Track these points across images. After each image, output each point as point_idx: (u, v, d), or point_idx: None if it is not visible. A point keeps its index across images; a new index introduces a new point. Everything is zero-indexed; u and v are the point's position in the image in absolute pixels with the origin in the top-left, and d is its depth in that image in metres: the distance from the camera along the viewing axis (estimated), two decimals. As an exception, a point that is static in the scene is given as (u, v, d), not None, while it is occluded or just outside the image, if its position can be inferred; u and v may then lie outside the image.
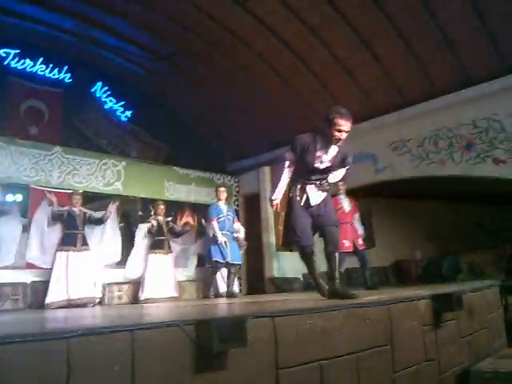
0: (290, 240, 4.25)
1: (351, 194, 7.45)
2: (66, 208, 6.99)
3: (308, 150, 3.96)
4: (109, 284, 7.52)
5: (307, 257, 4.22)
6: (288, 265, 9.42)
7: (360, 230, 7.19)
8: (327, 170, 4.10)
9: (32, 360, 1.94)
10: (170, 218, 7.93)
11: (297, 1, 7.17)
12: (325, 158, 4.00)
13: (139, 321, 2.78)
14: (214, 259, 7.05)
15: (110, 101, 9.60)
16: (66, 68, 8.95)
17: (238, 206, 10.25)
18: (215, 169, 10.27)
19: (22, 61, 8.48)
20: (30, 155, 7.44)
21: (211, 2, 7.37)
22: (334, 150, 3.99)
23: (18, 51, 8.45)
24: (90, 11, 7.97)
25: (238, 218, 8.29)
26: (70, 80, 9.00)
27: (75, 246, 6.77)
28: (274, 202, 4.14)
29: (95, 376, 2.09)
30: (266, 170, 9.87)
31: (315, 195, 4.08)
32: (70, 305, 6.47)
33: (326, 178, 4.15)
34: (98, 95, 9.43)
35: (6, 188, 6.96)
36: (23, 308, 6.61)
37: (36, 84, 8.59)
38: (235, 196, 10.32)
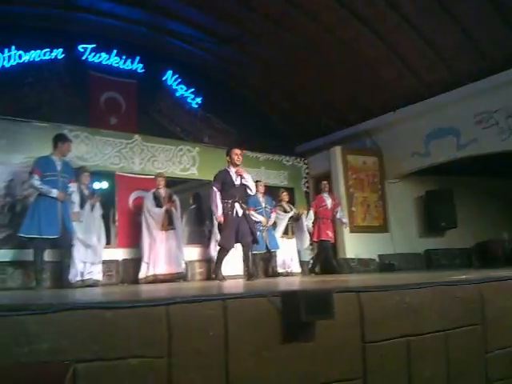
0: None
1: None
2: (152, 190, 7.40)
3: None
4: (191, 261, 7.89)
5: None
6: (362, 246, 9.33)
7: (344, 220, 8.71)
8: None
9: (137, 323, 2.13)
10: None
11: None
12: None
13: (229, 292, 2.92)
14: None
15: (181, 88, 9.86)
16: (138, 58, 9.27)
17: (307, 187, 10.23)
18: (284, 151, 10.27)
19: (98, 54, 8.90)
20: (112, 144, 7.85)
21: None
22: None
23: (94, 45, 8.87)
24: (159, 0, 8.24)
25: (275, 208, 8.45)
26: (143, 70, 9.33)
27: (162, 226, 7.11)
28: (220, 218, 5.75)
29: (192, 339, 2.25)
30: (337, 149, 9.71)
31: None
32: (158, 280, 6.88)
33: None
34: (169, 83, 9.71)
35: (94, 176, 7.39)
36: (116, 283, 7.15)
37: (112, 76, 9.00)
38: (305, 178, 10.30)
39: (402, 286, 3.07)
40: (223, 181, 5.94)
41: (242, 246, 5.96)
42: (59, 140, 5.93)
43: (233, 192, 5.93)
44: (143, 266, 7.03)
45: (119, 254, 7.45)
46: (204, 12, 8.45)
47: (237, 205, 5.89)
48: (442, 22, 7.43)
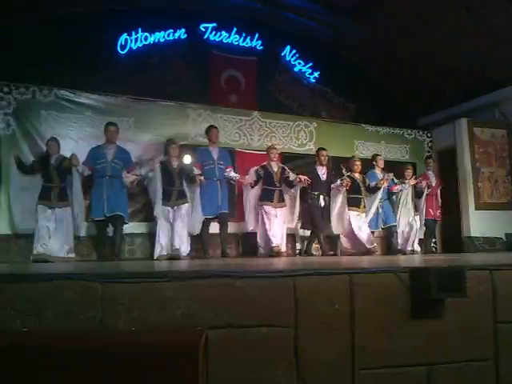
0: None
1: None
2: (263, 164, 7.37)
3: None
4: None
5: None
6: (488, 224, 8.75)
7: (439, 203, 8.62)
8: None
9: (266, 293, 2.18)
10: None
11: None
12: None
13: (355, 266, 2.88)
14: None
15: (299, 63, 9.79)
16: (257, 35, 9.36)
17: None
18: (406, 125, 9.83)
19: (218, 33, 9.12)
20: (233, 121, 8.10)
21: None
22: None
23: (214, 25, 9.10)
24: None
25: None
26: (261, 47, 9.39)
27: (272, 202, 7.11)
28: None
29: (319, 311, 2.27)
30: (463, 122, 9.11)
31: None
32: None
33: None
34: (287, 59, 9.69)
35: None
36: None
37: (232, 54, 9.17)
38: (428, 152, 9.78)
39: None
40: (312, 177, 7.21)
41: (320, 231, 7.36)
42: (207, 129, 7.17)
43: (319, 186, 7.33)
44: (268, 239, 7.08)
45: (239, 227, 7.69)
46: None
47: (321, 197, 7.31)
48: None
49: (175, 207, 6.52)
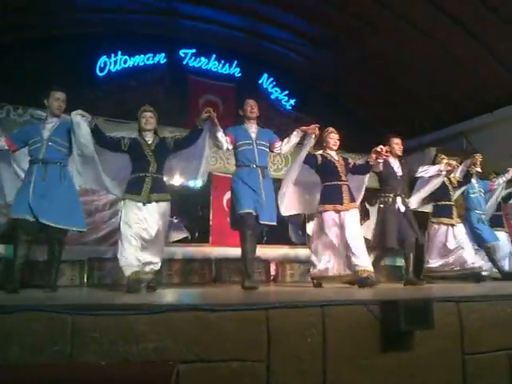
0: None
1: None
2: None
3: None
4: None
5: None
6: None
7: None
8: None
9: (238, 326, 2.19)
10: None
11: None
12: None
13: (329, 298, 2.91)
14: None
15: (276, 91, 9.98)
16: (235, 63, 9.53)
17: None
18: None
19: (198, 59, 9.27)
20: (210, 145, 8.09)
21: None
22: None
23: (194, 51, 9.24)
24: (256, 6, 8.36)
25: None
26: (240, 74, 9.57)
27: (341, 203, 5.11)
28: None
29: (291, 344, 2.29)
30: (432, 151, 9.27)
31: None
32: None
33: None
34: (264, 86, 9.87)
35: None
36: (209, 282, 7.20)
37: (211, 80, 9.31)
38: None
39: (503, 296, 2.97)
40: (384, 172, 5.49)
41: (404, 247, 5.32)
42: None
43: (394, 184, 5.50)
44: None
45: (212, 252, 7.58)
46: (298, 16, 8.49)
47: (398, 199, 5.43)
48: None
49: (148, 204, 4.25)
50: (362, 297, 3.06)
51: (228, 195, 7.82)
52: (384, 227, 5.30)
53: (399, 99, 9.96)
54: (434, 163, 6.63)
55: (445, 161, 6.26)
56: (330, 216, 4.93)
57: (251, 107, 5.18)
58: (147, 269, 4.18)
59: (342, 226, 4.87)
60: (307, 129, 5.14)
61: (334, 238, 4.89)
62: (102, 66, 8.38)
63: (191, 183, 8.25)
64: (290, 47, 9.52)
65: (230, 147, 4.97)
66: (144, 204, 4.21)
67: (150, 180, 4.29)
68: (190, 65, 9.17)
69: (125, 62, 8.57)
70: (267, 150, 5.03)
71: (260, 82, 9.83)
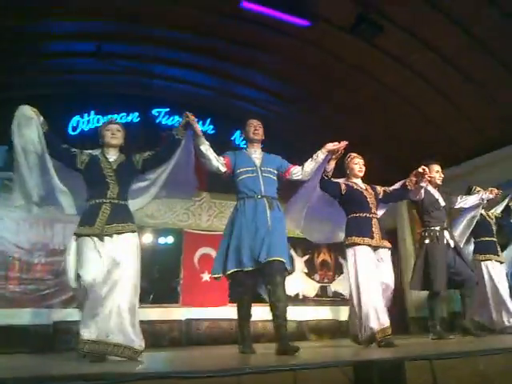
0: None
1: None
2: None
3: None
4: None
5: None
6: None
7: None
8: None
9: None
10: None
11: (425, 31, 7.06)
12: None
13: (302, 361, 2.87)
14: None
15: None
16: (208, 120, 9.72)
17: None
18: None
19: (171, 117, 9.44)
20: (182, 202, 8.17)
21: (334, 42, 7.53)
22: None
23: (167, 109, 9.40)
24: (228, 67, 8.68)
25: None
26: (213, 131, 9.74)
27: (372, 236, 4.47)
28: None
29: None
30: (403, 204, 9.49)
31: None
32: None
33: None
34: (237, 143, 10.04)
35: (161, 232, 7.54)
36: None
37: (184, 138, 9.38)
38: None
39: (475, 352, 2.87)
40: (426, 201, 4.84)
41: (465, 288, 4.66)
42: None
43: (439, 216, 4.83)
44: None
45: (183, 313, 7.43)
46: (269, 76, 8.86)
47: (446, 233, 4.75)
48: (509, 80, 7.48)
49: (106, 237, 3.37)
50: (336, 358, 3.02)
51: (201, 252, 7.86)
52: (431, 267, 4.54)
53: (369, 154, 10.15)
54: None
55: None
56: (364, 251, 4.18)
57: (254, 128, 4.37)
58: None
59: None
60: (337, 147, 4.26)
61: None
62: (75, 125, 8.45)
63: (162, 239, 8.22)
64: (263, 105, 9.79)
65: (224, 170, 4.14)
66: (100, 238, 3.31)
67: (108, 207, 3.44)
68: (163, 123, 9.32)
69: (98, 122, 8.65)
70: (275, 178, 4.17)
71: (233, 138, 10.02)
